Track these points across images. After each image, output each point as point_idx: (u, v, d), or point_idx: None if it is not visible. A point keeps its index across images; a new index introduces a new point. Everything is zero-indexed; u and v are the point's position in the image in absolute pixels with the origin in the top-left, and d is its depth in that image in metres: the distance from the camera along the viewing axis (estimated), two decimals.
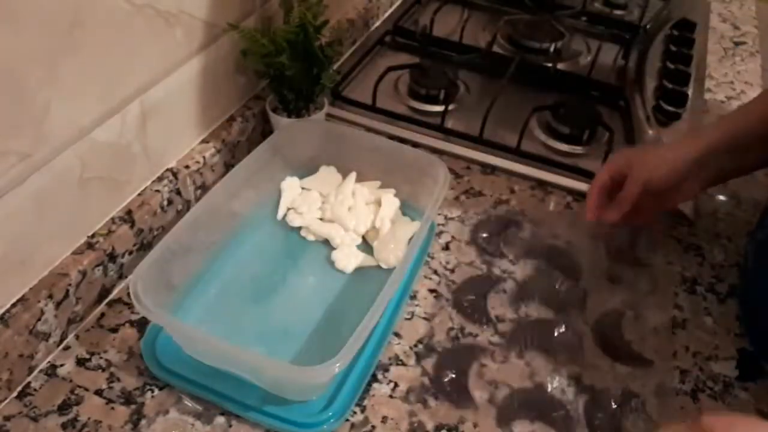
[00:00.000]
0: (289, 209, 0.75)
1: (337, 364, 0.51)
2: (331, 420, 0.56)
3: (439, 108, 0.92)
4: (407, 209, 0.76)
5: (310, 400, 0.58)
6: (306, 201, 0.75)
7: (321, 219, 0.74)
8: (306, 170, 0.78)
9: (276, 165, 0.75)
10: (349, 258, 0.70)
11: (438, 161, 0.72)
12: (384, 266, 0.70)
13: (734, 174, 0.71)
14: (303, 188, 0.77)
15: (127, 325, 0.64)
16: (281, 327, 0.64)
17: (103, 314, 0.65)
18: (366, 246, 0.73)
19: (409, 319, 0.67)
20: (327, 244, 0.73)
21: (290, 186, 0.76)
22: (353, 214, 0.73)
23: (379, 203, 0.75)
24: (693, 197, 0.72)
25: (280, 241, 0.73)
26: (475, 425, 0.58)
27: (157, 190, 0.71)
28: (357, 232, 0.73)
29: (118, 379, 0.60)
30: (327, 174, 0.78)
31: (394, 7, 1.18)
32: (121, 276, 0.68)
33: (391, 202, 0.75)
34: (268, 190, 0.76)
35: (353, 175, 0.77)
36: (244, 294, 0.67)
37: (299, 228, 0.74)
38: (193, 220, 0.64)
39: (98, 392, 0.59)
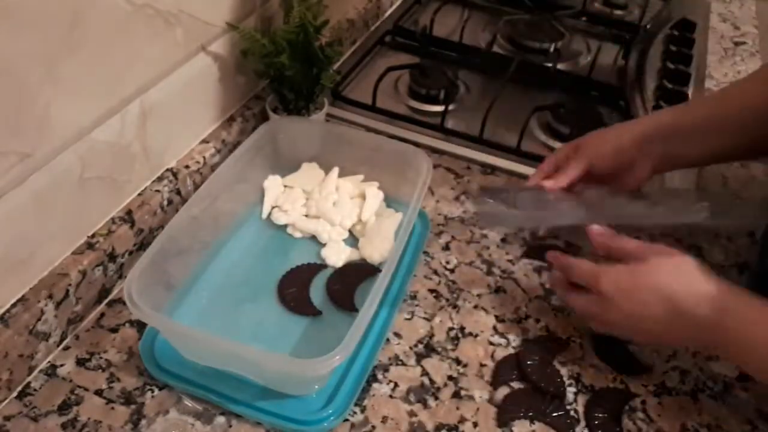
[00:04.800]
0: (273, 207, 0.75)
1: (338, 356, 0.51)
2: (331, 417, 0.57)
3: (439, 108, 0.92)
4: (392, 202, 0.76)
5: (310, 398, 0.58)
6: (289, 198, 0.75)
7: (306, 215, 0.74)
8: (288, 168, 0.78)
9: (258, 164, 0.75)
10: (338, 254, 0.71)
11: (420, 152, 0.73)
12: (370, 261, 0.70)
13: (685, 161, 0.69)
14: (285, 186, 0.77)
15: (126, 325, 0.64)
16: (276, 325, 0.64)
17: (102, 314, 0.65)
18: (353, 240, 0.73)
19: (409, 319, 0.67)
20: (314, 240, 0.73)
21: (273, 184, 0.76)
22: (338, 208, 0.74)
23: (363, 197, 0.75)
24: (645, 181, 0.68)
25: (268, 239, 0.73)
26: (475, 425, 0.58)
27: (157, 190, 0.71)
28: (343, 227, 0.73)
29: (118, 379, 0.60)
30: (309, 170, 0.78)
31: (394, 7, 1.18)
32: (121, 276, 0.68)
33: (375, 195, 0.75)
34: (251, 190, 0.76)
35: (336, 170, 0.77)
36: (238, 294, 0.67)
37: (285, 226, 0.74)
38: (183, 222, 0.64)
39: (98, 392, 0.59)
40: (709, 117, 0.66)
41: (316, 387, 0.58)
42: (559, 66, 1.02)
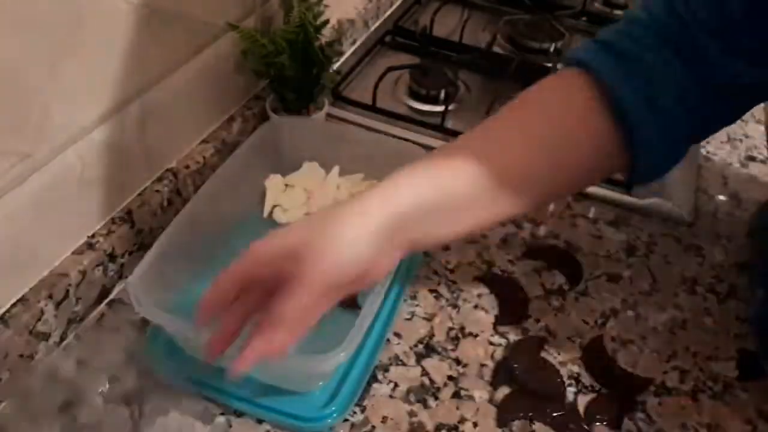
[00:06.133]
0: (274, 206, 0.75)
1: (343, 353, 0.51)
2: (334, 414, 0.57)
3: (439, 108, 0.91)
4: None
5: (312, 395, 0.58)
6: (290, 197, 0.75)
7: (307, 214, 0.74)
8: (288, 168, 0.78)
9: (258, 164, 0.75)
10: None
11: (420, 150, 0.72)
12: None
13: (440, 239, 0.54)
14: (287, 185, 0.77)
15: (127, 325, 0.64)
16: None
17: (103, 314, 0.65)
18: None
19: (409, 319, 0.67)
20: None
21: (274, 183, 0.76)
22: None
23: None
24: (387, 273, 0.52)
25: None
26: (475, 425, 0.58)
27: (157, 190, 0.71)
28: None
29: (118, 379, 0.60)
30: (310, 169, 0.78)
31: (394, 7, 1.18)
32: (121, 276, 0.68)
33: None
34: (252, 190, 0.76)
35: (336, 169, 0.77)
36: None
37: (286, 224, 0.74)
38: (185, 221, 0.64)
39: (98, 392, 0.59)
40: (473, 183, 0.52)
41: (320, 384, 0.58)
42: (559, 66, 1.01)
